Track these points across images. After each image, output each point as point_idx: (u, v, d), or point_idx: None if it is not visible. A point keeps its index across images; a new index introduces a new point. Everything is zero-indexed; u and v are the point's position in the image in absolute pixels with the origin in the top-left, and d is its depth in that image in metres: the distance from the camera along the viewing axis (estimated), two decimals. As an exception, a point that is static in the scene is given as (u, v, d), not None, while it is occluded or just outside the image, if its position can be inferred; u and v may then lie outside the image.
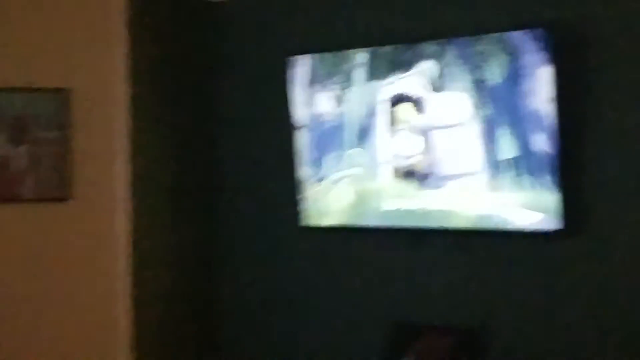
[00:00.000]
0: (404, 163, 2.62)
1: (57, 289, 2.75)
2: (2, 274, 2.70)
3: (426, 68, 2.54)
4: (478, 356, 2.55)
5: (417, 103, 2.58)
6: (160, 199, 2.93)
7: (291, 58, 2.82)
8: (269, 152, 3.01)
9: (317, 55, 2.80)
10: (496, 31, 2.43)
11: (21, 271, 2.71)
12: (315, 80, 2.81)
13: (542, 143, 2.36)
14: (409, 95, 2.59)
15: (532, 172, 2.39)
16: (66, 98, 2.71)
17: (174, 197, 2.99)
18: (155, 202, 2.92)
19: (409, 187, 2.62)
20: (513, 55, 2.40)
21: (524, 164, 2.41)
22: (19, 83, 2.69)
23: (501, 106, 2.43)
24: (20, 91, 2.68)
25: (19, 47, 2.72)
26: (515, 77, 2.40)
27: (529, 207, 2.40)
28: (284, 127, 2.87)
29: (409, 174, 2.62)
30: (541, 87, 2.34)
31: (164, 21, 2.96)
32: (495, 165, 2.45)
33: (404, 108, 2.61)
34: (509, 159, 2.43)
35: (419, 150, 2.59)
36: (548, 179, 2.35)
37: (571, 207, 2.36)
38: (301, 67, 2.81)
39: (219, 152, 3.13)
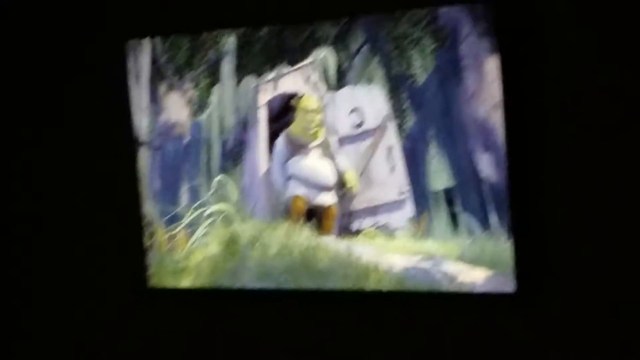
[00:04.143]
0: (296, 196, 2.04)
1: None
2: None
3: (323, 57, 1.95)
4: None
5: (300, 106, 1.99)
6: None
7: (131, 42, 2.12)
8: (102, 181, 2.24)
9: (166, 39, 2.13)
10: (423, 5, 1.84)
11: None
12: (165, 75, 2.15)
13: (488, 167, 1.78)
14: (298, 95, 1.98)
15: (474, 209, 1.81)
16: None
17: None
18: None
19: (302, 231, 2.02)
20: (447, 40, 1.84)
21: (463, 197, 1.83)
22: None
23: (430, 112, 1.85)
24: None
25: None
26: (449, 71, 1.83)
27: (471, 260, 1.81)
28: (123, 145, 2.15)
29: (299, 211, 2.03)
30: (485, 86, 1.76)
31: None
32: (424, 198, 1.85)
33: (292, 115, 2.01)
34: (442, 190, 1.85)
35: (315, 178, 1.98)
36: (497, 220, 1.78)
37: (529, 261, 1.77)
38: (145, 56, 2.13)
39: (25, 184, 2.32)
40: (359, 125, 1.88)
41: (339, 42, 1.91)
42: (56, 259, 2.28)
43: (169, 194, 2.15)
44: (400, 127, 1.85)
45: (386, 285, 1.89)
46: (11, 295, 2.33)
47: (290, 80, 1.92)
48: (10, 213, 2.34)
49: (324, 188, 1.93)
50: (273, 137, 2.00)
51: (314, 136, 1.92)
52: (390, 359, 1.90)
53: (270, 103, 1.97)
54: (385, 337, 1.94)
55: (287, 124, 1.98)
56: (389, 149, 1.87)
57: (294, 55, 1.95)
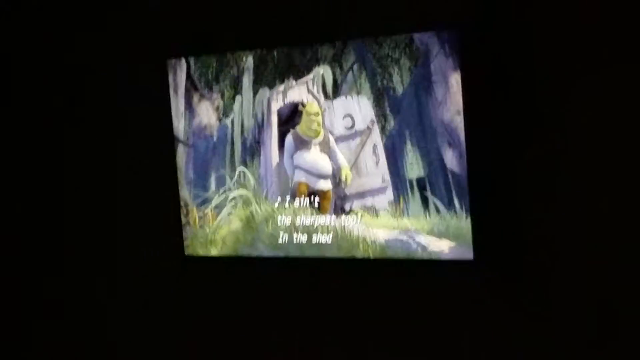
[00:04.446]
0: (300, 182, 2.26)
1: None
2: None
3: (322, 73, 2.18)
4: None
5: (305, 112, 2.23)
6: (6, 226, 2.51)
7: (169, 61, 2.39)
8: (146, 171, 2.57)
9: (197, 59, 2.38)
10: (402, 32, 2.07)
11: None
12: (197, 87, 2.40)
13: (453, 161, 2.03)
14: (304, 103, 2.22)
15: (441, 193, 2.05)
16: None
17: (23, 226, 2.58)
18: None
19: (305, 211, 2.26)
20: (420, 60, 2.06)
21: (433, 184, 2.08)
22: None
23: (406, 117, 2.09)
24: None
25: None
26: (422, 85, 2.06)
27: (438, 233, 2.05)
28: (162, 143, 2.46)
29: (303, 195, 2.27)
30: (451, 96, 2.00)
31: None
32: (402, 185, 2.12)
33: (297, 119, 2.25)
34: (416, 178, 2.10)
35: (311, 167, 2.24)
36: (459, 202, 2.03)
37: (484, 235, 2.04)
38: (180, 73, 2.40)
39: (77, 172, 2.67)
40: (351, 127, 2.14)
41: (335, 62, 2.15)
42: (114, 234, 2.63)
43: (200, 182, 2.40)
44: (382, 129, 2.11)
45: (372, 254, 2.15)
46: (80, 261, 2.68)
47: (296, 91, 2.18)
48: (81, 195, 2.68)
49: (322, 176, 2.20)
50: (282, 137, 2.26)
51: (316, 134, 2.19)
52: (375, 312, 2.23)
53: (280, 110, 2.23)
54: (371, 294, 2.24)
55: (294, 126, 2.22)
56: (374, 146, 2.13)
57: (299, 72, 2.19)
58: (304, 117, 2.19)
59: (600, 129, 1.96)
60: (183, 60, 2.40)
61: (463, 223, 2.01)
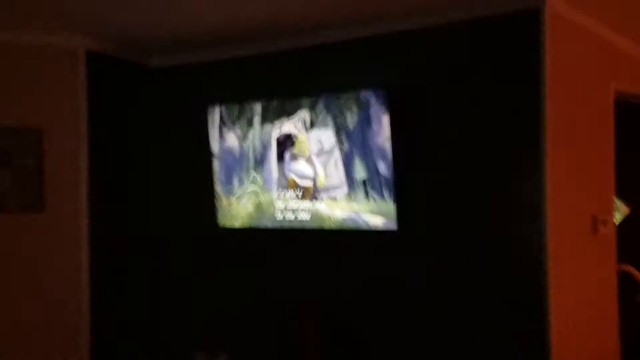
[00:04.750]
0: (292, 180, 3.05)
1: (35, 271, 3.21)
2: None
3: (303, 115, 3.03)
4: (340, 327, 3.09)
5: (296, 139, 3.04)
6: (113, 210, 3.46)
7: (209, 107, 3.31)
8: (196, 174, 3.51)
9: (226, 106, 3.24)
10: (352, 90, 2.92)
11: (7, 260, 3.17)
12: (226, 123, 3.27)
13: (384, 168, 2.86)
14: (291, 134, 3.09)
15: (377, 188, 2.87)
16: (39, 136, 3.19)
17: (122, 208, 3.52)
18: (109, 212, 3.42)
19: (292, 199, 3.09)
20: (363, 107, 2.87)
21: (371, 182, 2.90)
22: (7, 124, 3.16)
23: (356, 142, 2.91)
24: (8, 130, 3.15)
25: (11, 100, 3.19)
26: (365, 122, 2.88)
27: (376, 212, 2.88)
28: (205, 156, 3.37)
29: (291, 189, 3.05)
30: (382, 129, 2.82)
31: (114, 81, 3.50)
32: (353, 183, 2.94)
33: (288, 143, 3.07)
34: (361, 179, 2.91)
35: (299, 172, 3.05)
36: (387, 193, 2.86)
37: (403, 213, 2.90)
38: (216, 114, 3.29)
39: (159, 175, 3.64)
40: (321, 149, 3.01)
41: (311, 108, 3.01)
42: (180, 212, 3.57)
43: (228, 181, 3.29)
44: (341, 149, 2.94)
45: (334, 226, 2.99)
46: (161, 227, 3.60)
47: (288, 125, 3.10)
48: (164, 188, 3.62)
49: (306, 177, 3.08)
50: (280, 154, 3.12)
51: (304, 152, 3.06)
52: (335, 261, 3.14)
53: (278, 138, 3.13)
54: (333, 251, 3.14)
55: (289, 147, 3.04)
56: (335, 160, 2.99)
57: (289, 113, 3.08)
58: (297, 143, 3.06)
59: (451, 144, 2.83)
60: (218, 107, 3.26)
61: (390, 207, 2.85)
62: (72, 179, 3.27)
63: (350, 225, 2.95)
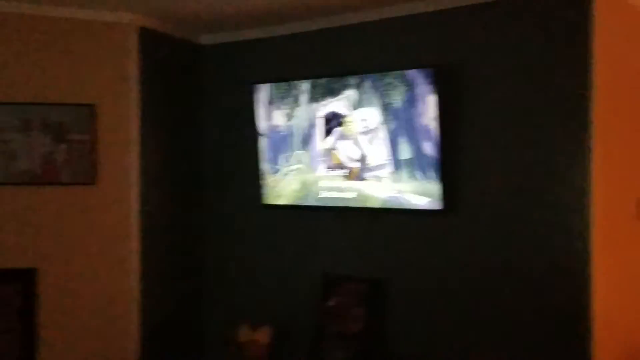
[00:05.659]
0: (334, 160, 3.08)
1: (87, 242, 3.30)
2: (48, 233, 3.22)
3: (350, 94, 3.06)
4: (381, 299, 3.12)
5: (344, 120, 3.08)
6: (162, 185, 3.53)
7: (256, 85, 3.35)
8: (242, 152, 3.59)
9: (274, 84, 3.29)
10: (398, 69, 2.94)
11: (61, 232, 3.26)
12: (273, 101, 3.31)
13: (429, 149, 2.86)
14: (338, 112, 3.12)
15: (422, 168, 2.88)
16: (93, 111, 3.27)
17: (172, 183, 3.59)
18: (158, 187, 3.50)
19: (337, 178, 3.13)
20: (410, 86, 2.89)
21: (417, 162, 2.91)
22: (62, 100, 3.24)
23: (401, 121, 2.94)
24: (62, 105, 3.22)
25: (65, 76, 3.26)
26: (411, 101, 2.90)
27: (420, 193, 2.90)
28: (252, 135, 3.42)
29: (337, 168, 3.10)
30: (429, 109, 2.83)
31: (165, 57, 3.56)
32: (398, 163, 2.96)
33: (335, 122, 3.10)
34: (406, 159, 2.93)
35: (346, 152, 3.07)
36: (433, 174, 2.86)
37: (448, 194, 2.91)
38: (263, 92, 3.33)
39: (206, 152, 3.72)
40: (367, 127, 3.02)
41: (358, 86, 3.03)
42: (231, 189, 3.59)
43: (274, 159, 3.34)
44: (387, 129, 2.95)
45: (378, 205, 3.01)
46: (208, 204, 3.64)
47: (334, 104, 3.12)
48: (213, 168, 3.67)
49: (352, 157, 3.08)
50: (327, 132, 3.13)
51: (351, 133, 3.06)
52: (379, 240, 3.16)
53: (324, 116, 3.15)
54: (378, 231, 3.15)
55: (334, 126, 3.06)
56: (381, 140, 2.97)
57: (336, 92, 3.10)
58: (345, 123, 3.06)
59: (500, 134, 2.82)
60: (265, 86, 3.29)
61: (434, 187, 2.86)
62: (123, 153, 3.34)
63: (393, 204, 2.95)
